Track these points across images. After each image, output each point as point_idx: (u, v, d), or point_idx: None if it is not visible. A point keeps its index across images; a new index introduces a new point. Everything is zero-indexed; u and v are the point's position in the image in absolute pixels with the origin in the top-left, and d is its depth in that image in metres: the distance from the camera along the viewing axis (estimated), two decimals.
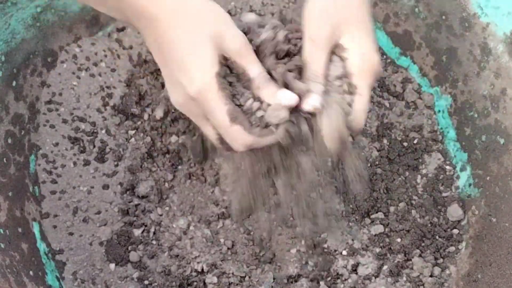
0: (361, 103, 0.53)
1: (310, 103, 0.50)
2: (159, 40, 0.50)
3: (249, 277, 0.64)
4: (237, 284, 0.64)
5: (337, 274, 0.65)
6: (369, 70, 0.53)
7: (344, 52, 0.53)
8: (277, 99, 0.50)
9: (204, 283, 0.64)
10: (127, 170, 0.68)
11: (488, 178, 0.67)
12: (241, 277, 0.64)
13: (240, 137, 0.50)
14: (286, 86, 0.51)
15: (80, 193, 0.67)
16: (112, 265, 0.64)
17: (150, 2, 0.49)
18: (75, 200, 0.66)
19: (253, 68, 0.50)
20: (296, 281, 0.65)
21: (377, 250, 0.67)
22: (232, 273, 0.64)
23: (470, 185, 0.70)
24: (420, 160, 0.72)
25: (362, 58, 0.53)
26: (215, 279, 0.64)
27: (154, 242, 0.66)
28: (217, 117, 0.50)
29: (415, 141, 0.73)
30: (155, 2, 0.49)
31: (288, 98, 0.50)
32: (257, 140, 0.50)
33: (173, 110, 0.68)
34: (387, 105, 0.75)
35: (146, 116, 0.70)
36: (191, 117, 0.53)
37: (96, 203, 0.67)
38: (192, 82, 0.49)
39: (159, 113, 0.68)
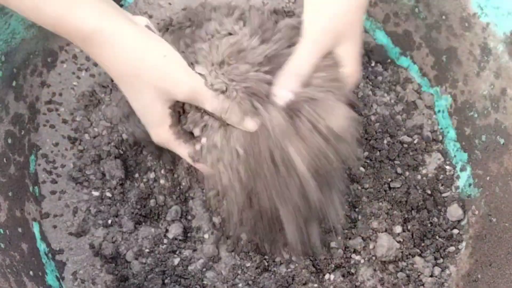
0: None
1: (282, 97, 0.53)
2: (120, 86, 0.54)
3: None
4: None
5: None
6: (354, 81, 0.58)
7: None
8: (243, 127, 0.53)
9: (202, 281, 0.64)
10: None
11: (488, 178, 0.67)
12: None
13: (205, 169, 0.56)
14: None
15: (80, 193, 0.67)
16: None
17: (105, 62, 0.51)
18: (75, 200, 0.66)
19: (207, 105, 0.53)
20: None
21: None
22: None
23: (470, 185, 0.70)
24: (420, 160, 0.72)
25: (351, 70, 0.57)
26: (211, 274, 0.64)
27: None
28: (183, 157, 0.57)
29: (415, 141, 0.73)
30: (111, 65, 0.51)
31: (251, 126, 0.53)
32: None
33: None
34: (387, 105, 0.75)
35: None
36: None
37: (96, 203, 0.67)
38: (152, 135, 0.56)
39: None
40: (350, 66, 0.56)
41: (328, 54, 0.55)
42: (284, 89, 0.53)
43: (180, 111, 0.55)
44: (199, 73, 0.53)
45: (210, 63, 0.53)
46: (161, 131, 0.55)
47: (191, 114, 0.54)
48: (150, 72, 0.51)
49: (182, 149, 0.56)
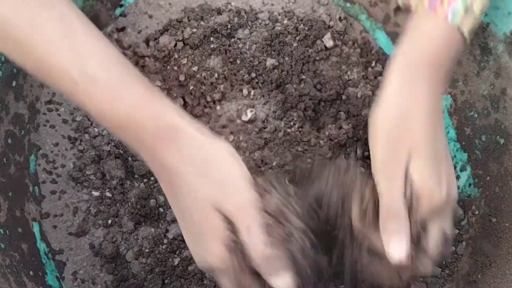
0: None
1: (396, 256, 0.47)
2: (174, 199, 0.48)
3: None
4: None
5: None
6: (427, 205, 0.49)
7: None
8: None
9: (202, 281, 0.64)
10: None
11: (488, 178, 0.67)
12: None
13: None
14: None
15: (80, 193, 0.67)
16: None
17: (173, 161, 0.46)
18: (75, 200, 0.66)
19: (242, 233, 0.46)
20: None
21: None
22: None
23: (470, 185, 0.70)
24: None
25: (419, 192, 0.48)
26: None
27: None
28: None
29: None
30: (177, 160, 0.46)
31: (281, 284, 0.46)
32: None
33: None
34: None
35: None
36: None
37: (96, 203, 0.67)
38: (206, 257, 0.47)
39: None
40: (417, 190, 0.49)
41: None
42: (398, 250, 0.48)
43: None
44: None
45: None
46: (215, 246, 0.47)
47: None
48: (213, 173, 0.46)
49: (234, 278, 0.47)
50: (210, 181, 0.46)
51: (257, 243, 0.45)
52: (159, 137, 0.46)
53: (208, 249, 0.46)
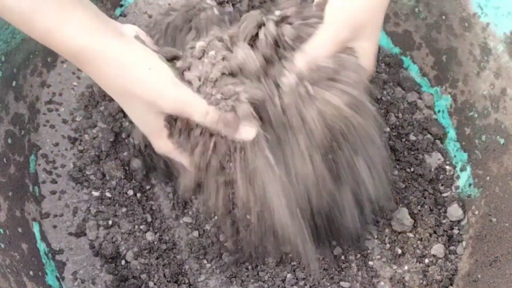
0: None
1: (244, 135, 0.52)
2: (118, 102, 0.55)
3: None
4: None
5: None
6: (369, 77, 0.57)
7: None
8: (239, 138, 0.52)
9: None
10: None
11: (488, 178, 0.67)
12: None
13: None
14: None
15: (80, 193, 0.67)
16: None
17: (96, 79, 0.52)
18: (75, 200, 0.66)
19: (196, 117, 0.52)
20: None
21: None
22: None
23: (470, 185, 0.70)
24: (420, 160, 0.72)
25: (367, 66, 0.56)
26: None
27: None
28: (185, 166, 0.57)
29: (415, 141, 0.73)
30: (102, 81, 0.52)
31: (247, 134, 0.52)
32: None
33: None
34: (387, 104, 0.75)
35: None
36: None
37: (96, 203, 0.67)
38: (154, 146, 0.57)
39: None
40: (365, 62, 0.56)
41: (347, 49, 0.55)
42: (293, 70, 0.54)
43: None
44: (188, 81, 0.53)
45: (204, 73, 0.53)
46: (161, 142, 0.56)
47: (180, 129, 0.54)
48: (137, 86, 0.51)
49: (184, 159, 0.56)
50: (139, 93, 0.51)
51: (211, 121, 0.52)
52: (75, 60, 0.51)
53: (156, 145, 0.57)
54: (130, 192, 0.67)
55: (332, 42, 0.55)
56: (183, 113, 0.52)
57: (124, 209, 0.66)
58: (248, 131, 0.52)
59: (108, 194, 0.67)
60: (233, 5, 0.66)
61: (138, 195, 0.67)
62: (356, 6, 0.54)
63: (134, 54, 0.52)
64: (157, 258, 0.64)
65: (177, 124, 0.54)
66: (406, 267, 0.66)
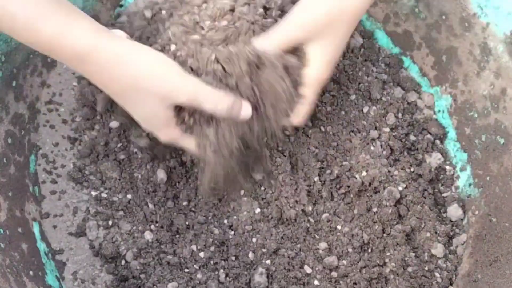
0: (303, 110, 0.61)
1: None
2: (120, 101, 0.56)
3: None
4: None
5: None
6: (319, 82, 0.60)
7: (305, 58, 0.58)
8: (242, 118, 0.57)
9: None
10: None
11: (488, 178, 0.67)
12: None
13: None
14: None
15: (80, 193, 0.67)
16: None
17: (103, 80, 0.53)
18: (75, 200, 0.66)
19: (207, 106, 0.55)
20: None
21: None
22: None
23: (470, 185, 0.70)
24: (420, 160, 0.72)
25: (317, 72, 0.59)
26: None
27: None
28: (191, 150, 0.60)
29: (415, 141, 0.73)
30: (109, 81, 0.53)
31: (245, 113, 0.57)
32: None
33: None
34: (387, 105, 0.75)
35: None
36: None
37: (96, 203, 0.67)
38: (160, 137, 0.59)
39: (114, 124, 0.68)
40: (315, 66, 0.58)
41: (297, 50, 0.58)
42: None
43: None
44: (190, 67, 0.57)
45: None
46: (169, 131, 0.58)
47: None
48: (149, 82, 0.53)
49: (190, 141, 0.59)
50: (152, 88, 0.53)
51: (221, 107, 0.56)
52: (82, 62, 0.51)
53: (163, 134, 0.59)
54: (130, 193, 0.67)
55: (280, 39, 0.57)
56: (195, 102, 0.55)
57: (124, 209, 0.66)
58: (246, 111, 0.57)
59: (107, 195, 0.67)
60: None
61: (138, 195, 0.67)
62: (317, 10, 0.56)
63: (140, 52, 0.53)
64: (158, 259, 0.64)
65: (182, 111, 0.57)
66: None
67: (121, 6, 0.76)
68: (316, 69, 0.59)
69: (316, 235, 0.67)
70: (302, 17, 0.57)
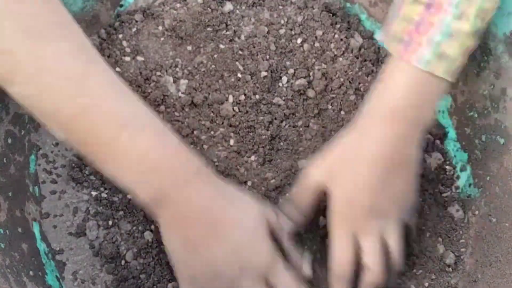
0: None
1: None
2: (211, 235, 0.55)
3: None
4: None
5: None
6: (349, 216, 0.58)
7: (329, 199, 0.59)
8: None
9: None
10: None
11: (488, 178, 0.67)
12: None
13: None
14: None
15: (80, 193, 0.67)
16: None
17: (214, 210, 0.54)
18: (75, 200, 0.66)
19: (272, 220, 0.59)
20: None
21: None
22: None
23: (470, 185, 0.70)
24: (420, 160, 0.72)
25: (342, 204, 0.58)
26: None
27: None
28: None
29: None
30: (220, 210, 0.55)
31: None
32: None
33: None
34: None
35: None
36: None
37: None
38: (261, 259, 0.56)
39: None
40: (335, 205, 0.59)
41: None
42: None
43: None
44: None
45: None
46: (271, 253, 0.57)
47: None
48: (254, 205, 0.58)
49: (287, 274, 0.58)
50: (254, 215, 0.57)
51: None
52: (192, 180, 0.53)
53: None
54: (129, 196, 0.67)
55: (304, 182, 0.61)
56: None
57: (124, 209, 0.66)
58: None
59: (107, 195, 0.67)
60: None
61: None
62: (332, 157, 0.60)
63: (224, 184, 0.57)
64: (158, 259, 0.64)
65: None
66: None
67: (121, 6, 0.76)
68: (335, 208, 0.59)
69: None
70: (321, 162, 0.61)
